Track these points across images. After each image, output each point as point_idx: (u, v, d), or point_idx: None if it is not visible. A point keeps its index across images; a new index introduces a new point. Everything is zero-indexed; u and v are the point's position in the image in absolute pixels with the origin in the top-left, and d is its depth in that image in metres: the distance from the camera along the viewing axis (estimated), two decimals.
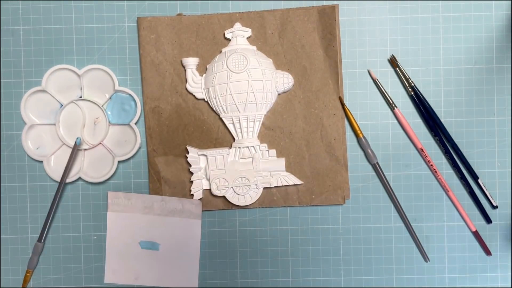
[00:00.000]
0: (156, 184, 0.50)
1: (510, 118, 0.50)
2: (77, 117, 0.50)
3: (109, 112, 0.50)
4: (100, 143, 0.50)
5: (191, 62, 0.49)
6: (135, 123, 0.50)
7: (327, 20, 0.49)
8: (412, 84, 0.50)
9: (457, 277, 0.51)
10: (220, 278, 0.51)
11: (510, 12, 0.50)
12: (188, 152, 0.50)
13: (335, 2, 0.50)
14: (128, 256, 0.50)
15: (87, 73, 0.50)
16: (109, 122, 0.50)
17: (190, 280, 0.50)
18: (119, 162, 0.50)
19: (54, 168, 0.50)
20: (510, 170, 0.51)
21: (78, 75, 0.49)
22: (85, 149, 0.50)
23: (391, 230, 0.51)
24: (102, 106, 0.50)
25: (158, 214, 0.50)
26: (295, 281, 0.51)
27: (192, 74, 0.49)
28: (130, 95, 0.50)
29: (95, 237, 0.51)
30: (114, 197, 0.50)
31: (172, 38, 0.49)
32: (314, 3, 0.50)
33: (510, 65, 0.50)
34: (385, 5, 0.50)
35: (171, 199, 0.50)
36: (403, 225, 0.51)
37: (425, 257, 0.51)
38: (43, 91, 0.50)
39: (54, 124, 0.50)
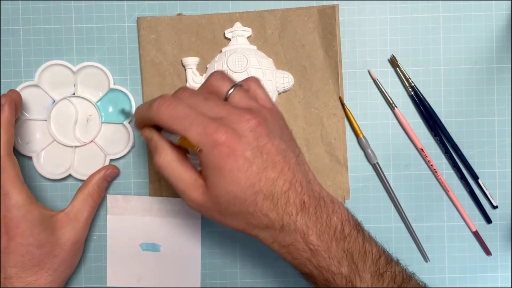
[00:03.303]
0: (156, 184, 0.50)
1: (510, 118, 0.50)
2: (69, 113, 0.50)
3: (102, 112, 0.50)
4: (92, 141, 0.50)
5: (191, 62, 0.49)
6: (129, 122, 0.50)
7: (327, 20, 0.49)
8: (412, 84, 0.50)
9: (457, 277, 0.51)
10: (220, 278, 0.51)
11: (510, 12, 0.50)
12: (188, 152, 0.50)
13: (335, 2, 0.50)
14: (129, 259, 0.50)
15: (82, 70, 0.49)
16: (102, 121, 0.50)
17: (192, 280, 0.50)
18: (110, 160, 0.50)
19: (44, 164, 0.50)
20: (510, 170, 0.51)
21: (73, 72, 0.49)
22: (76, 146, 0.50)
23: (391, 230, 0.51)
24: (96, 103, 0.50)
25: (157, 216, 0.50)
26: (295, 281, 0.51)
27: (192, 74, 0.49)
28: (125, 93, 0.49)
29: (95, 237, 0.51)
30: (113, 200, 0.50)
31: (172, 38, 0.49)
32: (314, 3, 0.50)
33: (510, 65, 0.50)
34: (385, 5, 0.50)
35: (170, 200, 0.50)
36: (403, 225, 0.51)
37: (425, 257, 0.51)
38: (36, 86, 0.49)
39: (46, 120, 0.50)
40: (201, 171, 0.38)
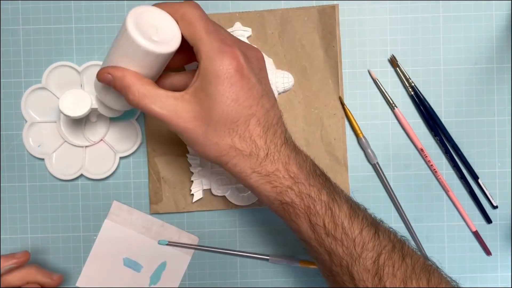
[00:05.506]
0: (156, 184, 0.50)
1: (510, 118, 0.50)
2: None
3: None
4: (101, 139, 0.50)
5: None
6: (136, 119, 0.50)
7: (327, 20, 0.49)
8: (412, 84, 0.50)
9: (457, 277, 0.51)
10: (220, 278, 0.51)
11: (510, 12, 0.50)
12: (188, 152, 0.50)
13: (335, 2, 0.50)
14: (107, 268, 0.50)
15: (87, 70, 0.49)
16: (110, 119, 0.50)
17: None
18: (120, 158, 0.50)
19: (56, 165, 0.50)
20: (510, 170, 0.51)
21: (78, 72, 0.49)
22: (86, 146, 0.50)
23: None
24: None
25: (152, 238, 0.50)
26: (295, 281, 0.51)
27: None
28: None
29: (95, 237, 0.51)
30: (117, 207, 0.50)
31: None
32: (314, 3, 0.50)
33: (510, 65, 0.50)
34: (385, 5, 0.50)
35: (171, 227, 0.50)
36: (403, 225, 0.51)
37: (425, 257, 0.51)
38: (44, 88, 0.49)
39: (55, 122, 0.50)
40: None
